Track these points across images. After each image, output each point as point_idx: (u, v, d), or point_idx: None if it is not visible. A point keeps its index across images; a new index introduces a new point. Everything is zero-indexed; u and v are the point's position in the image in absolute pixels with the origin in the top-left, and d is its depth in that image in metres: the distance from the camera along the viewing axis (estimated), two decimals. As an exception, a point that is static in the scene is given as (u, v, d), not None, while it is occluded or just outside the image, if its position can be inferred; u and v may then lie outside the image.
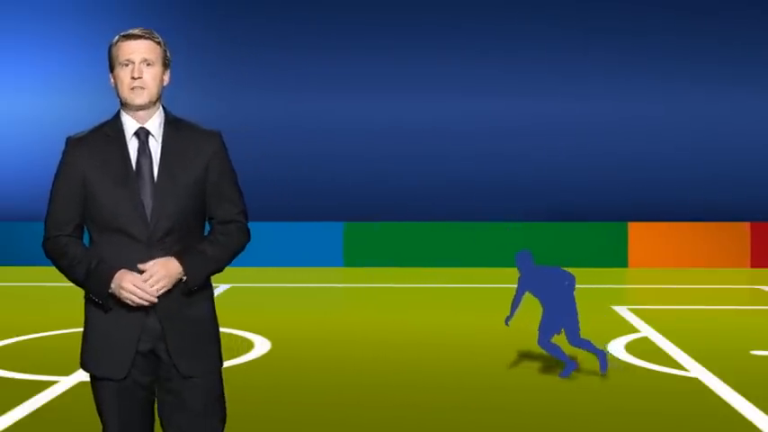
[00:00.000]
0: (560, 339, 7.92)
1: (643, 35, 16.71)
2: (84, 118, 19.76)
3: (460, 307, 11.44)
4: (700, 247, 16.27)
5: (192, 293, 3.31)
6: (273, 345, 8.77)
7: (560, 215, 16.67)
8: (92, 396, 3.37)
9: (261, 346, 8.68)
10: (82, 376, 7.19)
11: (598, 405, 6.48)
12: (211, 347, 3.38)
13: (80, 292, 3.36)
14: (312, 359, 8.08)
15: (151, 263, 3.19)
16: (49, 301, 11.83)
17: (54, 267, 3.36)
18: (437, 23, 16.95)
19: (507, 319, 7.43)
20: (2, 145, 17.36)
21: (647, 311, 10.95)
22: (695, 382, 7.17)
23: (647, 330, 9.54)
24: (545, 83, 16.82)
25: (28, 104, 17.27)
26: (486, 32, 16.92)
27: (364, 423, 6.02)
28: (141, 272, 3.21)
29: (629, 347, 8.58)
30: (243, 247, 3.43)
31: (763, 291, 13.17)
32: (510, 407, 6.42)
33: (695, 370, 7.57)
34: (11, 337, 9.19)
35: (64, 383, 7.02)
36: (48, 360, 8.02)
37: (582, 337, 7.47)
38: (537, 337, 7.44)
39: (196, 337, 3.33)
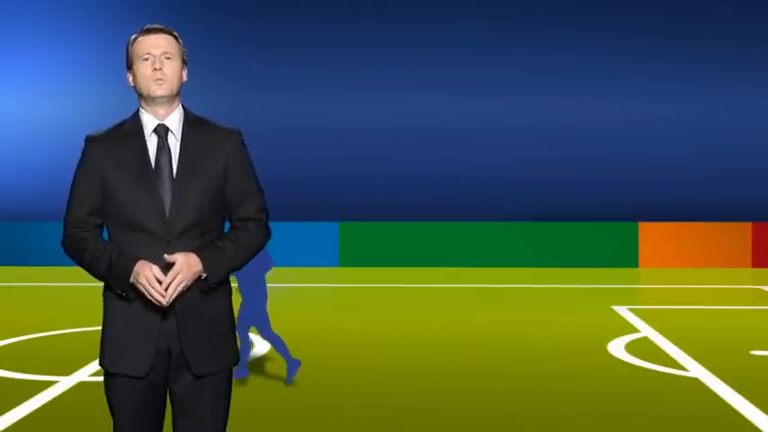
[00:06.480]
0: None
1: (645, 35, 16.70)
2: (85, 118, 19.63)
3: (457, 307, 11.44)
4: (705, 246, 16.27)
5: (209, 291, 3.29)
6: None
7: (568, 215, 16.64)
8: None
9: (260, 346, 8.69)
10: (82, 376, 7.19)
11: (598, 405, 6.47)
12: (225, 347, 3.36)
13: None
14: (309, 359, 8.08)
15: (177, 256, 3.13)
16: (48, 302, 11.81)
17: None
18: (438, 24, 16.95)
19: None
20: (2, 145, 17.36)
21: (648, 311, 10.95)
22: (695, 382, 7.17)
23: (647, 330, 9.54)
24: (548, 83, 16.81)
25: (28, 105, 17.28)
26: (488, 33, 16.92)
27: (362, 423, 6.02)
28: (165, 264, 3.18)
29: (629, 347, 8.58)
30: (262, 246, 3.41)
31: (763, 291, 13.17)
32: (508, 408, 6.41)
33: (695, 370, 7.57)
34: (11, 337, 9.20)
35: (64, 383, 7.00)
36: (48, 360, 8.02)
37: (275, 333, 7.03)
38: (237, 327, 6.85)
39: (211, 336, 3.30)
